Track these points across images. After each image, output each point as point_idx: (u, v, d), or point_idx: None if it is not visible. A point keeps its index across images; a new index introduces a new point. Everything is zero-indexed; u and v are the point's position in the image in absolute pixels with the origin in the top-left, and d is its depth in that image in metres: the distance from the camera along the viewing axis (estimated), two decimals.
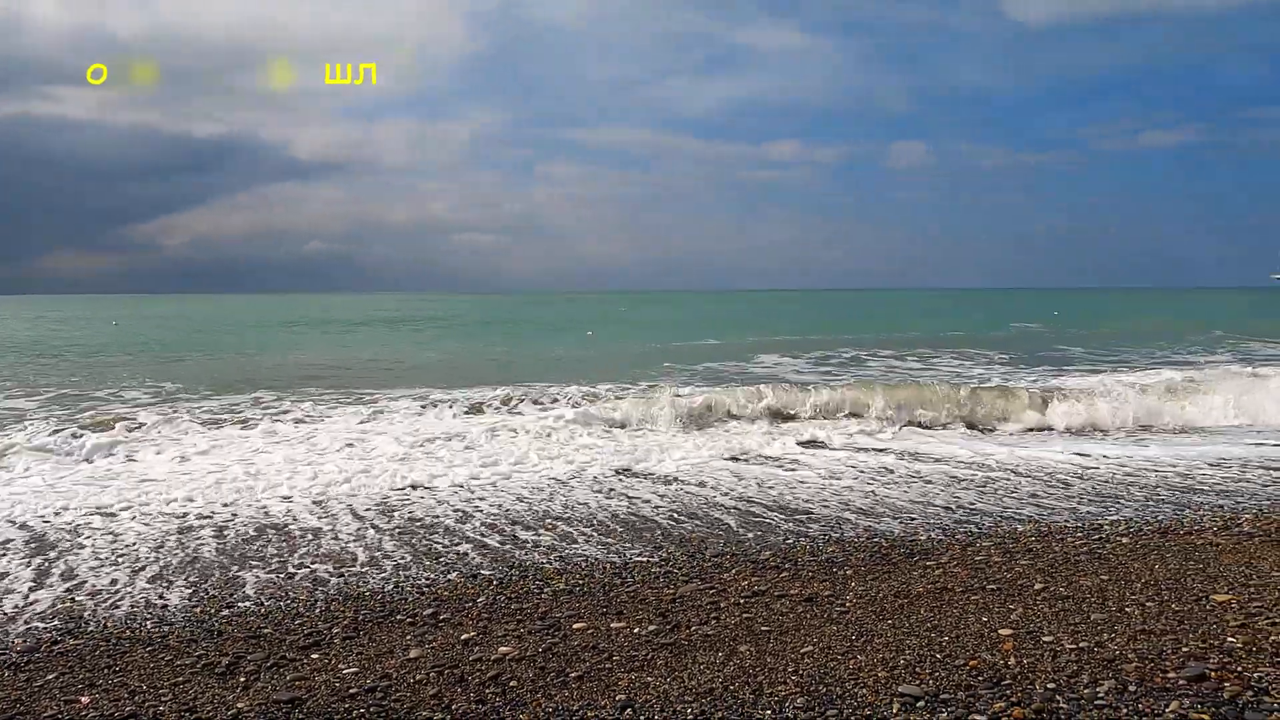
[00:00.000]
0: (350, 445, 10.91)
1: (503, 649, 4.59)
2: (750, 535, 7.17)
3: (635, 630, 4.90)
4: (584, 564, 6.38)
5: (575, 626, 5.01)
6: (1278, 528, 6.87)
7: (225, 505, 8.17)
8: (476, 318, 55.56)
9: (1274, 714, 3.01)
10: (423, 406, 13.96)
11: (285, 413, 13.26)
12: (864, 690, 3.60)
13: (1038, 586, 5.32)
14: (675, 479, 9.45)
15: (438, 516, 7.86)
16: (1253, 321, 42.04)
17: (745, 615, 5.11)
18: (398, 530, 7.39)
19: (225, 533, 7.31)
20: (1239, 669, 3.44)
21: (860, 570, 6.12)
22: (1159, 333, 34.54)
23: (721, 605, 5.36)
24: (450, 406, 13.91)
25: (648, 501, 8.42)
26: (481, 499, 8.53)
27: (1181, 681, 3.37)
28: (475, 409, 13.85)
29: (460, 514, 7.95)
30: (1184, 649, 3.73)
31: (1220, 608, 4.38)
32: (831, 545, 6.82)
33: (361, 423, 12.47)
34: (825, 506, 8.15)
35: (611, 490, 8.93)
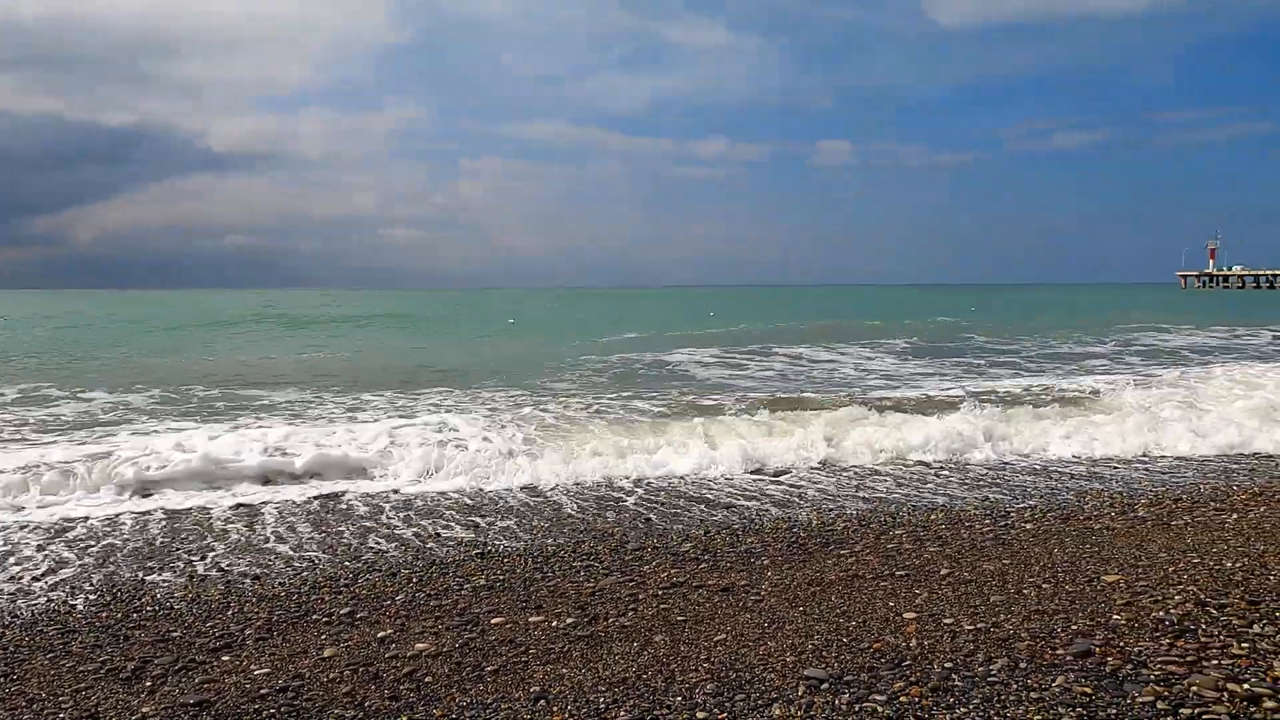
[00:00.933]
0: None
1: (419, 645, 4.58)
2: (672, 528, 7.26)
3: (553, 624, 4.94)
4: (506, 560, 6.39)
5: (494, 621, 5.02)
6: (1169, 512, 7.23)
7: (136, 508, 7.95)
8: (401, 313, 54.72)
9: (1150, 685, 3.19)
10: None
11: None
12: (772, 675, 3.70)
13: (944, 571, 5.52)
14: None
15: (354, 517, 7.78)
16: (1142, 313, 44.03)
17: (663, 606, 5.19)
18: (316, 531, 7.29)
19: (136, 535, 7.12)
20: (1122, 644, 3.63)
21: (777, 560, 6.25)
22: (1060, 325, 35.80)
23: (640, 597, 5.43)
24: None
25: (570, 496, 8.46)
26: (399, 498, 8.46)
27: (1069, 658, 3.54)
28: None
29: (377, 512, 7.88)
30: (1073, 627, 3.92)
31: (1109, 588, 4.61)
32: (751, 536, 6.95)
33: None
34: (746, 499, 8.29)
35: (534, 489, 8.94)
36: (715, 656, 4.07)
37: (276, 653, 4.62)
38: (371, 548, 6.78)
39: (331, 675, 4.20)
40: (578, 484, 8.98)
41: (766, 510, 7.82)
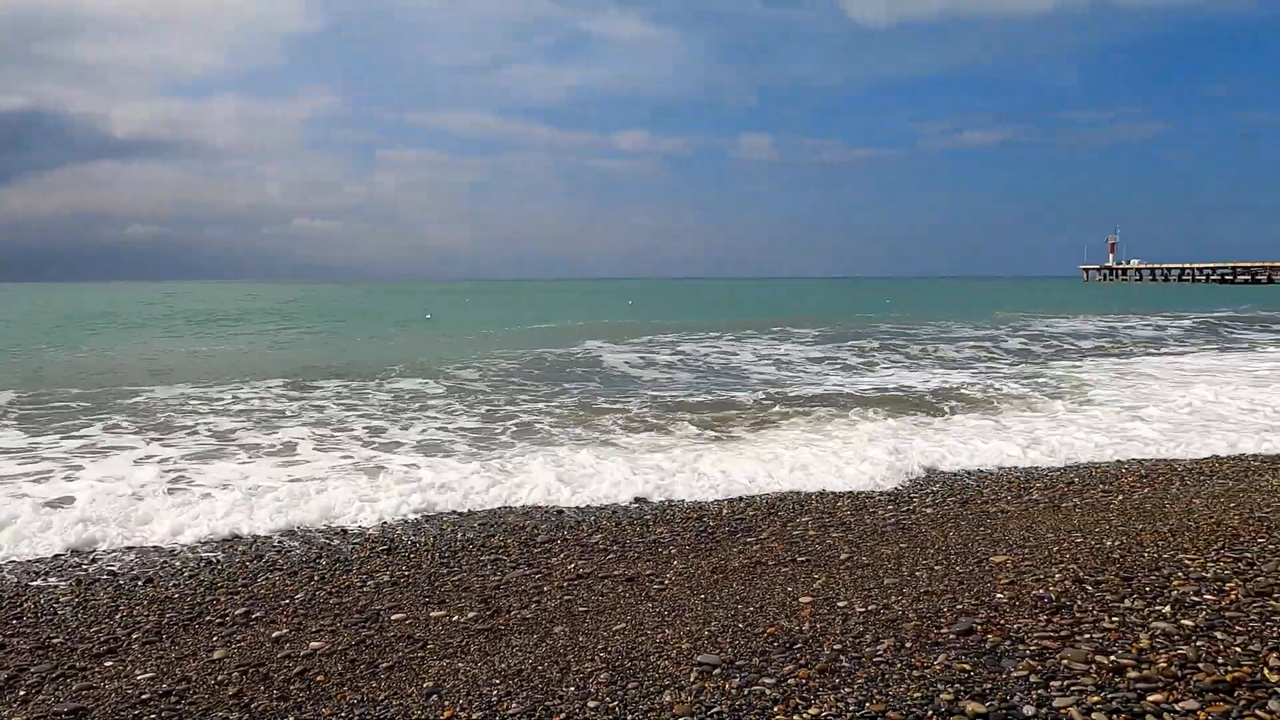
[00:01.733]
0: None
1: (314, 644, 4.49)
2: (584, 520, 7.25)
3: (454, 618, 4.89)
4: (412, 555, 6.29)
5: (394, 618, 4.95)
6: (1061, 494, 7.51)
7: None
8: (311, 310, 53.39)
9: (1025, 659, 3.31)
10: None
11: None
12: (666, 662, 3.72)
13: (843, 556, 5.63)
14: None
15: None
16: (1038, 307, 45.75)
17: (566, 598, 5.19)
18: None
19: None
20: (1002, 622, 3.76)
21: (684, 549, 6.30)
22: (967, 316, 36.98)
23: (545, 589, 5.42)
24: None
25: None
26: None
27: (952, 636, 3.65)
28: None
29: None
30: (959, 607, 4.04)
31: (996, 568, 4.76)
32: (661, 526, 6.99)
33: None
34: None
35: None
36: (613, 646, 4.08)
37: (164, 656, 4.47)
38: (275, 546, 6.61)
39: (219, 677, 4.08)
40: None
41: (680, 500, 7.86)
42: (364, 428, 11.46)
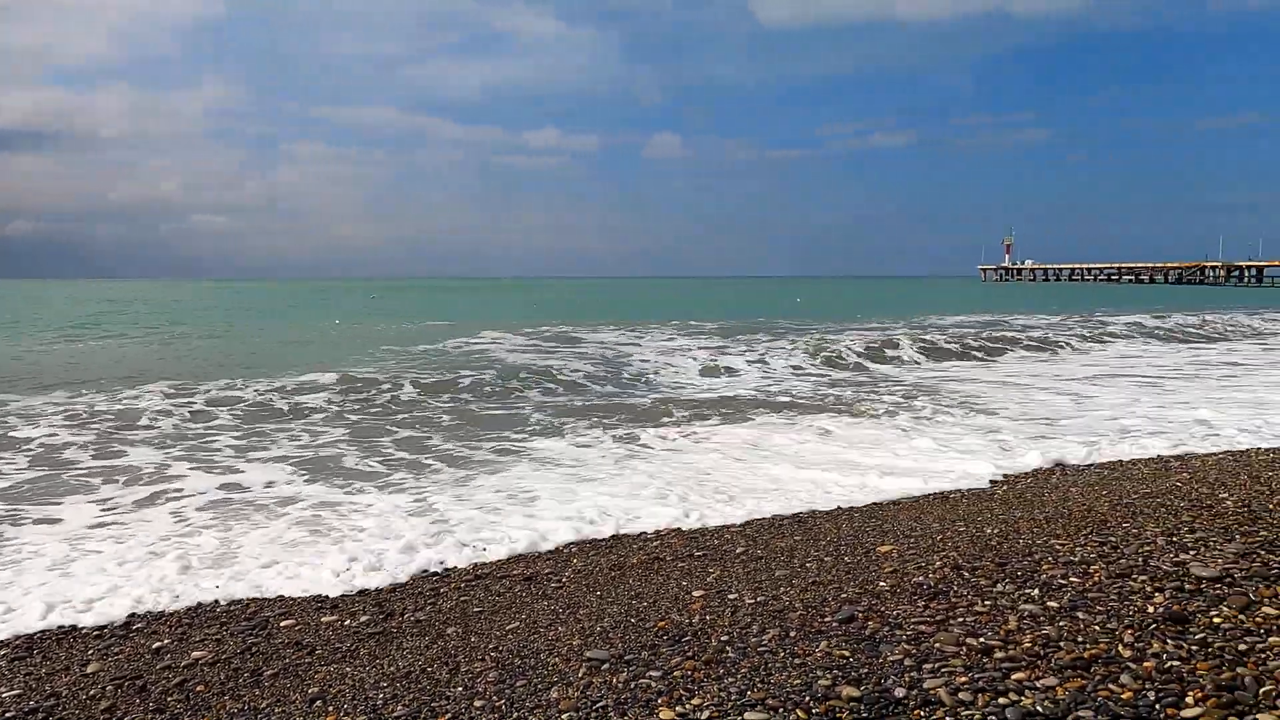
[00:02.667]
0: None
1: (196, 654, 4.35)
2: None
3: (346, 622, 4.80)
4: None
5: (283, 624, 4.83)
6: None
7: None
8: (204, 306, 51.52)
9: (901, 644, 3.43)
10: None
11: None
12: (556, 659, 3.73)
13: (739, 550, 5.73)
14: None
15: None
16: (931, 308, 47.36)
17: (463, 599, 5.15)
18: None
19: None
20: (883, 609, 3.88)
21: (585, 547, 6.32)
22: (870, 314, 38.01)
23: (441, 590, 5.37)
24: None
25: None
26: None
27: (834, 624, 3.75)
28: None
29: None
30: (843, 595, 4.15)
31: (882, 557, 4.91)
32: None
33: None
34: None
35: None
36: (504, 645, 4.07)
37: (33, 672, 4.27)
38: None
39: (92, 692, 3.92)
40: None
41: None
42: (239, 433, 11.13)
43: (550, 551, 6.17)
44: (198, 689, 3.88)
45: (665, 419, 11.83)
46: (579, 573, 5.60)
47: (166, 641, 4.63)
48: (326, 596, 5.31)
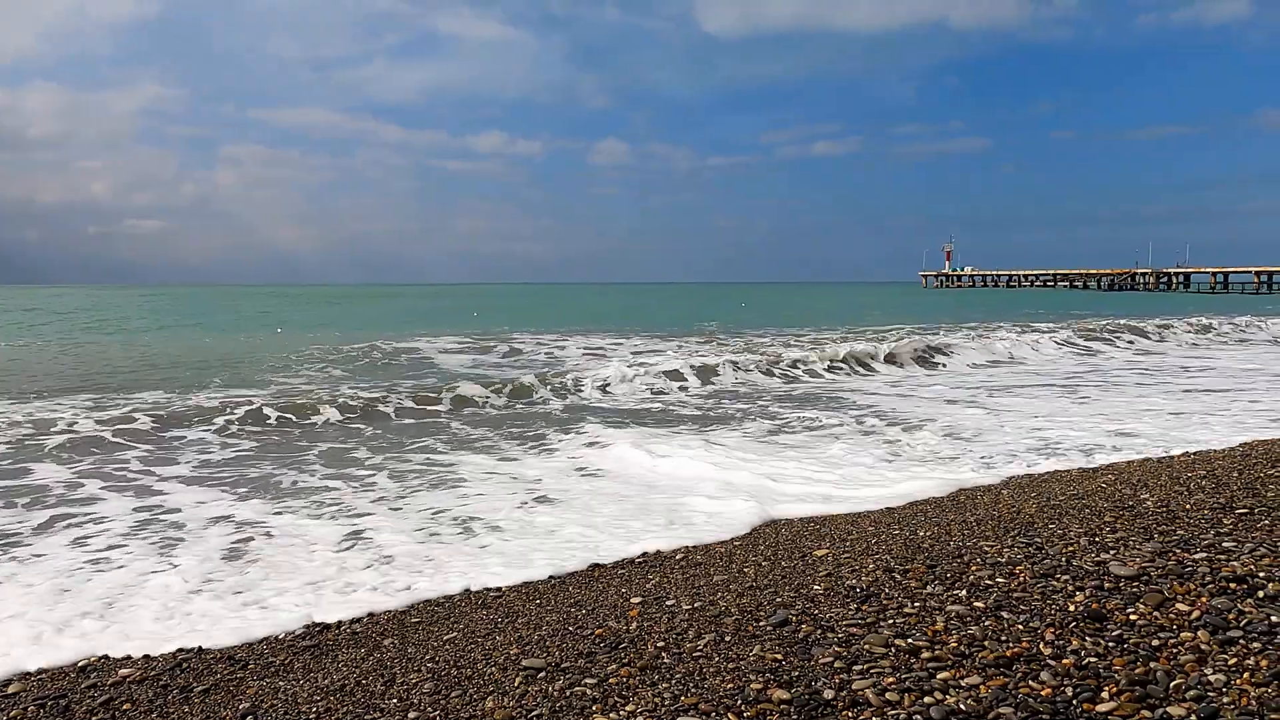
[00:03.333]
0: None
1: (123, 671, 4.25)
2: None
3: (280, 636, 4.73)
4: None
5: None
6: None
7: None
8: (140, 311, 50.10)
9: (832, 647, 3.49)
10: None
11: None
12: (493, 669, 3.73)
13: (679, 556, 5.77)
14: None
15: None
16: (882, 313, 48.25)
17: (400, 611, 5.10)
18: None
19: None
20: (816, 612, 3.94)
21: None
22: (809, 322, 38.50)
23: (379, 602, 5.31)
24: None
25: None
26: None
27: (768, 628, 3.81)
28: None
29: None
30: (778, 600, 4.21)
31: (818, 561, 4.99)
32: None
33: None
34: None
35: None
36: (441, 655, 4.05)
37: None
38: None
39: (13, 713, 3.81)
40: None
41: None
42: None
43: None
44: (124, 708, 3.80)
45: (588, 431, 11.82)
46: (519, 581, 5.58)
47: (93, 660, 4.52)
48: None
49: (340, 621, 4.87)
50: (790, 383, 17.32)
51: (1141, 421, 11.36)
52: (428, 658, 4.04)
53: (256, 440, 11.04)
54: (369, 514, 7.31)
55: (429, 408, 13.71)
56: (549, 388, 15.68)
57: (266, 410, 12.66)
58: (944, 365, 20.38)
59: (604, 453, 9.87)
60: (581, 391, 15.72)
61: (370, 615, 4.98)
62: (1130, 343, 26.18)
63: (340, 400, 13.49)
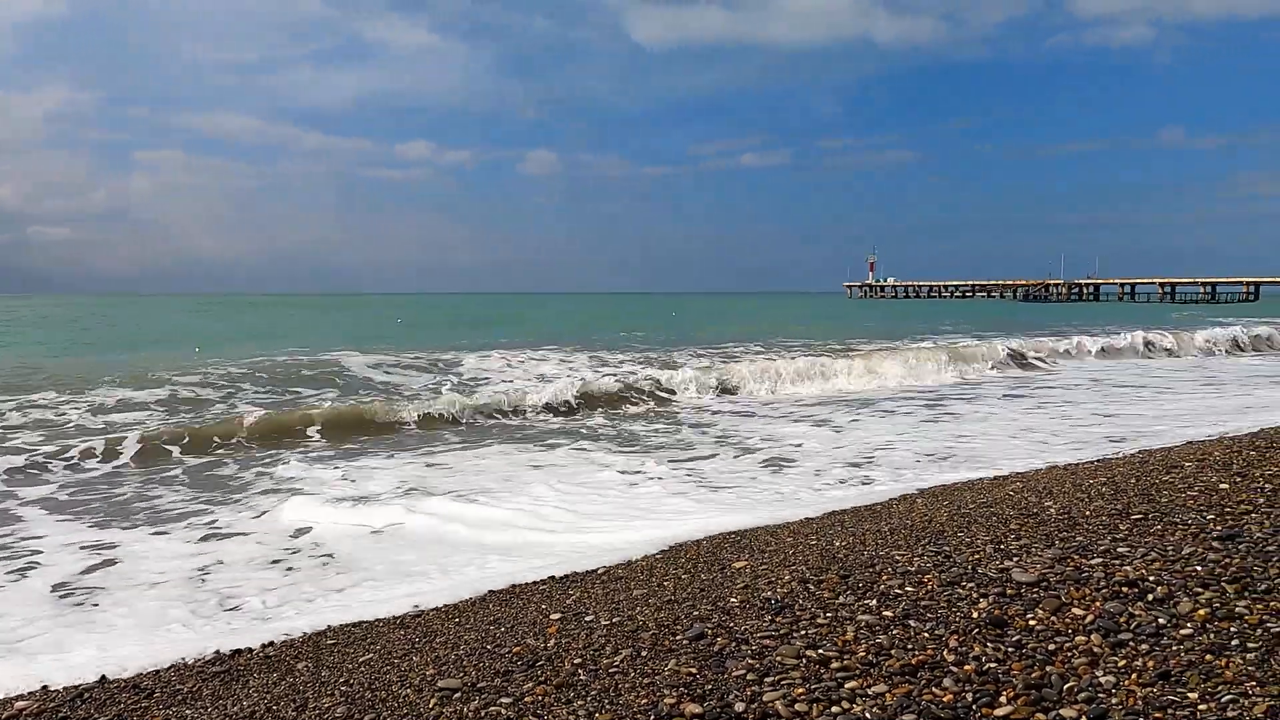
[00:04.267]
0: None
1: (20, 704, 4.09)
2: None
3: (189, 662, 4.61)
4: None
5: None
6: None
7: None
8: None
9: (745, 659, 3.55)
10: None
11: None
12: (408, 690, 3.70)
13: (600, 570, 5.79)
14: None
15: None
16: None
17: (316, 632, 5.02)
18: None
19: None
20: (731, 625, 4.00)
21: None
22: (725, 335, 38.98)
23: (295, 624, 5.21)
24: None
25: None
26: None
27: (684, 642, 3.85)
28: None
29: None
30: (695, 613, 4.26)
31: (736, 573, 5.06)
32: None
33: None
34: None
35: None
36: (356, 678, 4.00)
37: None
38: None
39: None
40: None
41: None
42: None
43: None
44: None
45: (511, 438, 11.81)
46: (440, 600, 5.54)
47: None
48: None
49: (250, 648, 4.76)
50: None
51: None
52: (342, 681, 3.98)
53: None
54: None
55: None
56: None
57: None
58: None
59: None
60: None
61: (286, 638, 4.89)
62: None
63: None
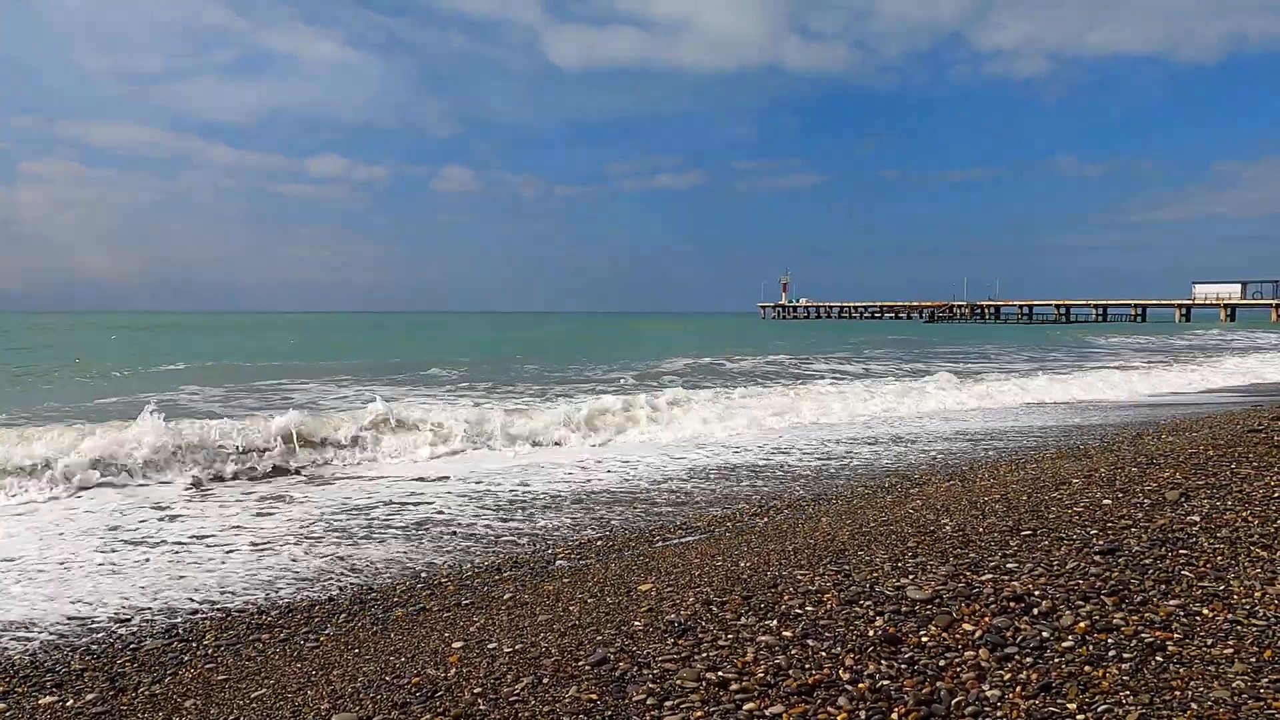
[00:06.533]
0: None
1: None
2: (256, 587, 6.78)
3: (69, 703, 4.39)
4: (29, 639, 5.55)
5: None
6: (710, 521, 8.13)
7: None
8: None
9: (646, 683, 3.56)
10: None
11: None
12: None
13: (507, 595, 5.73)
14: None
15: None
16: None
17: (208, 666, 4.84)
18: None
19: None
20: (634, 649, 4.01)
21: (352, 605, 6.09)
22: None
23: (185, 659, 5.02)
24: None
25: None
26: None
27: (587, 667, 3.83)
28: None
29: None
30: (599, 637, 4.25)
31: (641, 596, 5.07)
32: (333, 587, 6.69)
33: None
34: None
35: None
36: (247, 715, 3.87)
37: None
38: None
39: None
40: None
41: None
42: None
43: (308, 606, 5.91)
44: None
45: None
46: (340, 629, 5.41)
47: None
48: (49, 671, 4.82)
49: (140, 681, 4.57)
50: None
51: None
52: (234, 716, 3.85)
53: None
54: None
55: None
56: None
57: None
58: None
59: None
60: None
61: (174, 675, 4.70)
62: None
63: None
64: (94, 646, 5.26)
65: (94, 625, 5.66)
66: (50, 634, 5.51)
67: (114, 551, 7.44)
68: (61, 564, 7.04)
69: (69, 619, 5.77)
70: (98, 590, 6.37)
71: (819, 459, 12.06)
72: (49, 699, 4.46)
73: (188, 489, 10.26)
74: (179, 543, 7.74)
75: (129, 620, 5.77)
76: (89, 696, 4.46)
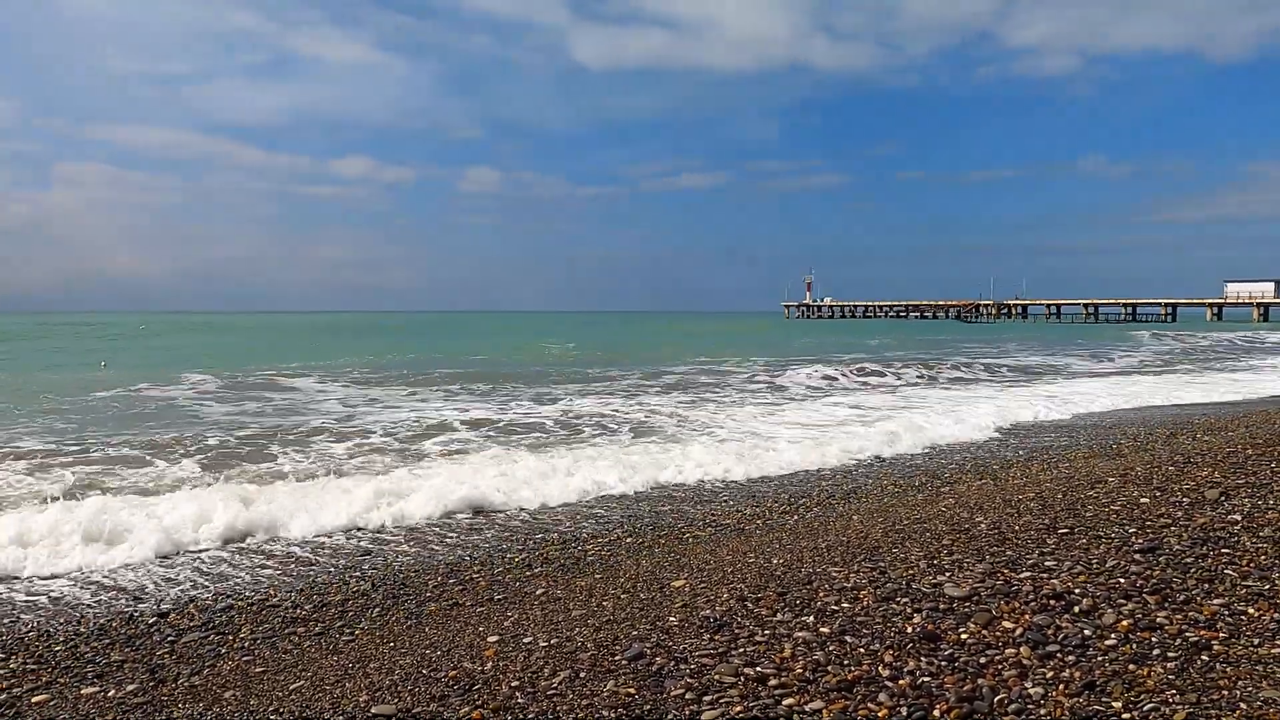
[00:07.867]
0: None
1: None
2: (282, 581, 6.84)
3: (111, 693, 4.44)
4: (70, 628, 5.63)
5: (35, 700, 4.41)
6: (746, 519, 8.12)
7: None
8: None
9: (684, 678, 3.55)
10: None
11: None
12: (340, 718, 3.62)
13: (539, 592, 5.74)
14: None
15: None
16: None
17: (245, 659, 4.88)
18: None
19: None
20: (670, 644, 4.00)
21: (385, 600, 6.12)
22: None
23: (223, 651, 5.07)
24: None
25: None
26: None
27: (624, 662, 3.84)
28: None
29: None
30: (634, 633, 4.25)
31: (675, 592, 5.06)
32: (364, 582, 6.73)
33: None
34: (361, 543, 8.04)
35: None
36: (287, 706, 3.90)
37: None
38: None
39: None
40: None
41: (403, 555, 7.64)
42: None
43: (340, 601, 5.96)
44: None
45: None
46: (374, 623, 5.44)
47: None
48: (90, 662, 4.88)
49: (178, 674, 4.62)
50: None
51: None
52: (271, 710, 3.88)
53: None
54: None
55: None
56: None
57: None
58: None
59: None
60: None
61: (212, 666, 4.75)
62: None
63: None
64: None
65: None
66: None
67: None
68: None
69: None
70: None
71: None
72: (91, 689, 4.52)
73: None
74: None
75: None
76: (130, 688, 4.51)
